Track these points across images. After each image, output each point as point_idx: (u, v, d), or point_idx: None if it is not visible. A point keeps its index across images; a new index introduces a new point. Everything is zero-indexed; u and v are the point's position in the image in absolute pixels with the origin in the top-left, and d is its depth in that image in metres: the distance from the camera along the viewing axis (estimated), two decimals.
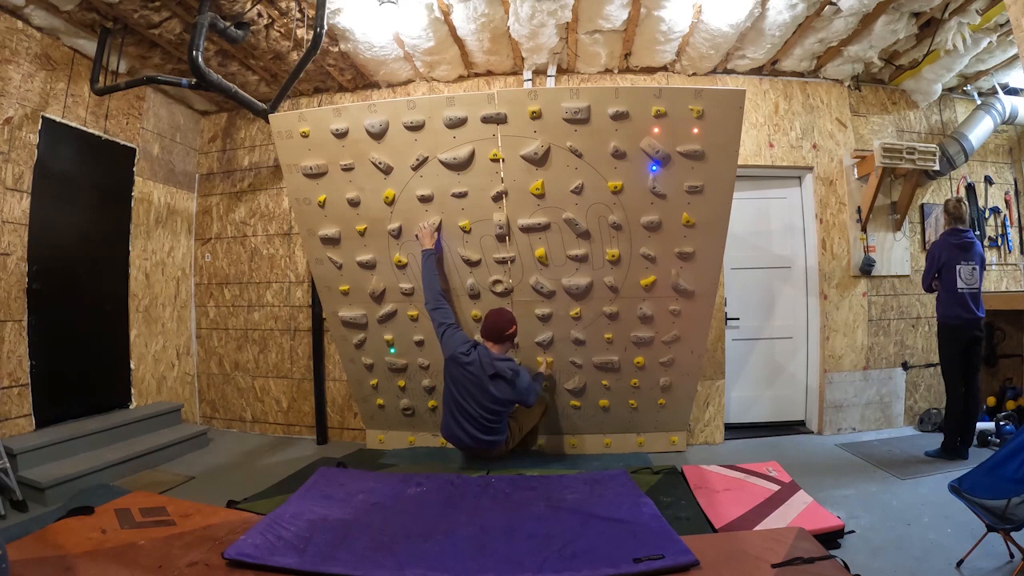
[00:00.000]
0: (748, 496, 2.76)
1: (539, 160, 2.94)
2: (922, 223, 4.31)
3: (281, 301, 4.42)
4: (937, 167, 3.96)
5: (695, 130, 2.81)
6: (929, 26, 3.55)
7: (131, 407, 3.96)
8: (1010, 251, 4.49)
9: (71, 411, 3.52)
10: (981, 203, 4.44)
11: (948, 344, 3.52)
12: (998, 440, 3.57)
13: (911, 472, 3.22)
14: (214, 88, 3.24)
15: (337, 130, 2.99)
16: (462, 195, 3.07)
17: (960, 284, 3.35)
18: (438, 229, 3.17)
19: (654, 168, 2.91)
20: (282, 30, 3.48)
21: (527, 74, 4.00)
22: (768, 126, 4.13)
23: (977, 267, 3.38)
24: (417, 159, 3.01)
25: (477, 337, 3.24)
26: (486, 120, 2.88)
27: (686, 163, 2.88)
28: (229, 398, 4.54)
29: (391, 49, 3.72)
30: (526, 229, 3.11)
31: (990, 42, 3.61)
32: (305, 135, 3.04)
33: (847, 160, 4.19)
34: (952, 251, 3.40)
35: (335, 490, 2.78)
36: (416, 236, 3.17)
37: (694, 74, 4.11)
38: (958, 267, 3.37)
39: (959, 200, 3.45)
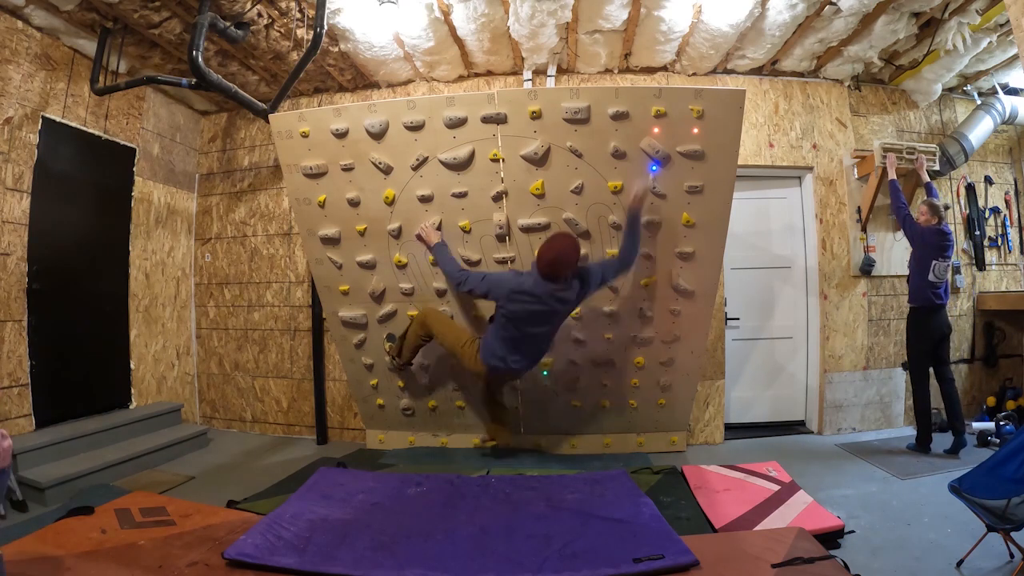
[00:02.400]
0: (748, 496, 2.76)
1: (539, 160, 2.94)
2: None
3: (281, 301, 4.42)
4: (937, 167, 3.97)
5: (695, 130, 2.81)
6: (929, 26, 3.55)
7: (131, 407, 3.96)
8: (1010, 251, 4.49)
9: (71, 411, 3.52)
10: (981, 203, 4.44)
11: (918, 329, 3.65)
12: (998, 440, 3.58)
13: (911, 472, 3.22)
14: (214, 88, 3.24)
15: (337, 130, 2.99)
16: (462, 195, 3.07)
17: (932, 277, 3.55)
18: (438, 229, 3.16)
19: (654, 168, 2.91)
20: (282, 30, 3.48)
21: (527, 74, 4.00)
22: (768, 126, 4.13)
23: (950, 263, 3.61)
24: (417, 159, 3.01)
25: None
26: (486, 120, 2.88)
27: (686, 163, 2.88)
28: (229, 398, 4.54)
29: (391, 49, 3.72)
30: (526, 229, 3.11)
31: (990, 42, 3.61)
32: (305, 135, 3.04)
33: (847, 160, 4.19)
34: (934, 250, 3.55)
35: (335, 490, 2.79)
36: (419, 237, 3.16)
37: (694, 74, 4.11)
38: (934, 263, 3.54)
39: (946, 206, 3.69)
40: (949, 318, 3.72)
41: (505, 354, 2.94)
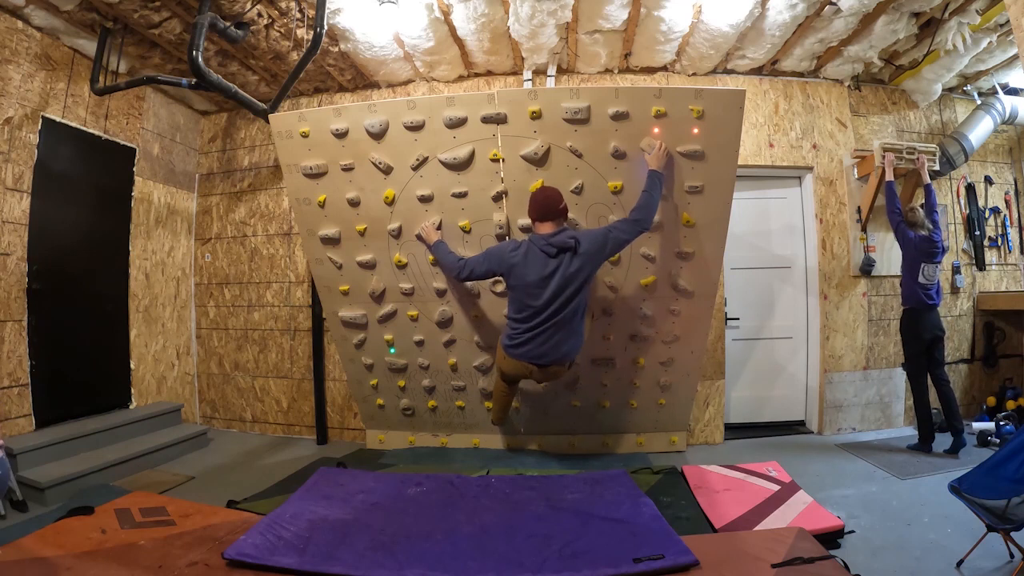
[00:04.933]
0: (748, 496, 2.76)
1: (539, 160, 2.94)
2: None
3: (281, 301, 4.42)
4: (937, 167, 3.97)
5: (695, 130, 2.81)
6: (929, 26, 3.55)
7: (131, 407, 3.96)
8: (1010, 251, 4.49)
9: (71, 411, 3.52)
10: (981, 203, 4.45)
11: (910, 330, 3.69)
12: (998, 440, 3.58)
13: (911, 472, 3.22)
14: (214, 88, 3.24)
15: (337, 130, 2.99)
16: (462, 195, 3.07)
17: (922, 279, 3.62)
18: (438, 228, 3.16)
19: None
20: (282, 30, 3.48)
21: (527, 74, 4.00)
22: (768, 126, 4.13)
23: (939, 267, 3.69)
24: (417, 159, 3.01)
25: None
26: (486, 120, 2.88)
27: (686, 163, 2.88)
28: (229, 398, 4.54)
29: (391, 49, 3.72)
30: (526, 229, 3.11)
31: (990, 42, 3.61)
32: (305, 135, 3.04)
33: (847, 160, 4.19)
34: (922, 255, 3.62)
35: (335, 490, 2.79)
36: (419, 238, 3.16)
37: (694, 74, 4.11)
38: (923, 265, 3.61)
39: (912, 209, 3.74)
40: (947, 319, 3.77)
41: (525, 338, 2.75)
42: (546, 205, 2.74)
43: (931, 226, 3.66)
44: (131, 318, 4.05)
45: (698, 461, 3.40)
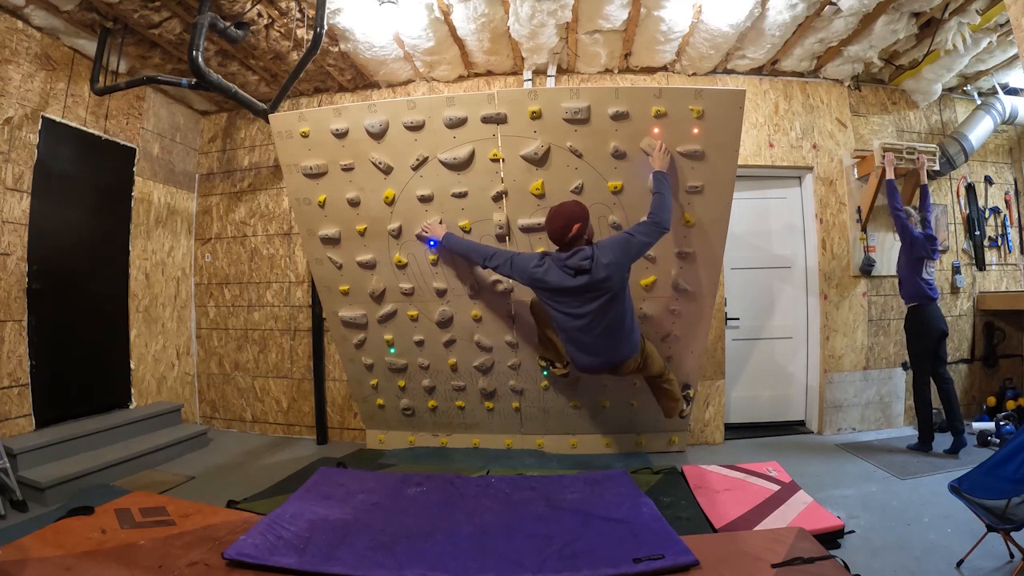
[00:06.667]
0: (748, 496, 2.76)
1: (539, 160, 2.94)
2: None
3: (281, 301, 4.42)
4: (937, 167, 3.97)
5: (695, 130, 2.81)
6: (929, 26, 3.55)
7: (131, 407, 3.96)
8: (1010, 251, 4.49)
9: (71, 411, 3.52)
10: (981, 203, 4.45)
11: (919, 327, 3.67)
12: (998, 440, 3.58)
13: (911, 472, 3.22)
14: (214, 88, 3.24)
15: (337, 130, 2.99)
16: (462, 195, 3.07)
17: (925, 275, 3.67)
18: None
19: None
20: (282, 30, 3.48)
21: (527, 74, 4.00)
22: (768, 126, 4.13)
23: (934, 265, 3.78)
24: (417, 159, 3.01)
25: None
26: (486, 120, 2.88)
27: (686, 163, 2.88)
28: (229, 398, 4.54)
29: (391, 49, 3.72)
30: (526, 229, 3.11)
31: (990, 42, 3.62)
32: (305, 135, 3.04)
33: (847, 160, 4.19)
34: (928, 252, 3.65)
35: (335, 490, 2.79)
36: (420, 238, 3.15)
37: (694, 74, 4.11)
38: (926, 262, 3.67)
39: (921, 210, 3.80)
40: (947, 319, 3.76)
41: (577, 354, 2.84)
42: (550, 233, 2.74)
43: (923, 226, 3.70)
44: (131, 318, 4.05)
45: (698, 461, 3.40)
